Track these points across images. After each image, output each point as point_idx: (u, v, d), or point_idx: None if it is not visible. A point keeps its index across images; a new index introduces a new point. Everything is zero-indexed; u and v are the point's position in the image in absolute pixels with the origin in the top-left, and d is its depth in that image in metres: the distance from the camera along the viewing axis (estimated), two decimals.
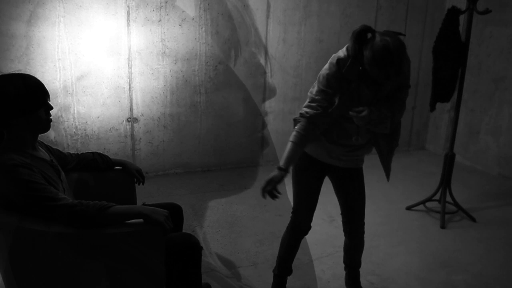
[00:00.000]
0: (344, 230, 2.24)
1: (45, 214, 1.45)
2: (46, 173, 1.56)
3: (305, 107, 1.91)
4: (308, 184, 2.12)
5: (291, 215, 2.21)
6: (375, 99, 1.89)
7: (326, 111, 1.86)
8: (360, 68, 1.80)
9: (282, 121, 4.51)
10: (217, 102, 4.24)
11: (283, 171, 1.82)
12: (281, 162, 1.84)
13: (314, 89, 1.92)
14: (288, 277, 2.31)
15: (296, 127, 1.90)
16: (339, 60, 1.84)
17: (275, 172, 1.82)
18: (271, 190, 1.80)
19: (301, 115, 1.90)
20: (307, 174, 2.10)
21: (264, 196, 1.82)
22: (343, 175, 2.11)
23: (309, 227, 2.19)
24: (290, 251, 2.25)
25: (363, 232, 2.25)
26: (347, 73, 1.82)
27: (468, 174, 4.49)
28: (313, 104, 1.88)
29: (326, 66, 1.90)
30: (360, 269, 2.60)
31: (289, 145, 1.87)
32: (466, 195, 3.82)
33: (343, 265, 2.64)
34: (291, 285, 2.36)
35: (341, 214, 2.21)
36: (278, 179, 1.81)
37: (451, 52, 3.17)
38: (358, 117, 1.79)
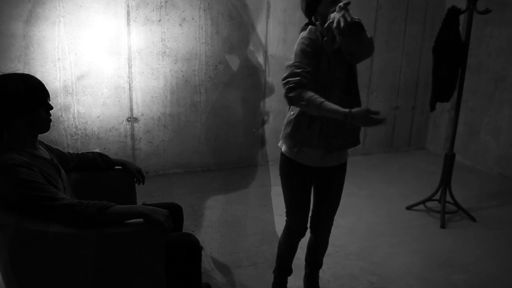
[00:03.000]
0: (311, 227, 2.18)
1: (44, 213, 1.45)
2: (46, 171, 1.56)
3: (290, 77, 1.81)
4: (298, 189, 2.07)
5: (285, 218, 2.18)
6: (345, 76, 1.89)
7: (311, 75, 1.82)
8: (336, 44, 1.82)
9: (281, 121, 4.49)
10: (217, 101, 4.24)
11: (349, 113, 1.69)
12: (344, 111, 1.70)
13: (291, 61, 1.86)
14: (289, 277, 2.31)
15: (306, 96, 1.76)
16: (313, 30, 1.87)
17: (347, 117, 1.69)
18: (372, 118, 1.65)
19: (295, 86, 1.78)
20: (295, 179, 2.06)
21: (382, 122, 1.67)
22: (326, 174, 2.06)
23: (305, 229, 2.15)
24: (288, 253, 2.23)
25: (329, 232, 2.21)
26: (326, 44, 1.85)
27: (468, 174, 4.49)
28: (297, 70, 1.80)
29: (299, 41, 1.87)
30: (360, 269, 2.61)
31: (324, 104, 1.73)
32: (466, 195, 3.82)
33: (343, 265, 2.65)
34: (291, 285, 2.36)
35: (312, 209, 2.15)
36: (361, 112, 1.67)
37: (451, 52, 3.17)
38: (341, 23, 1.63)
